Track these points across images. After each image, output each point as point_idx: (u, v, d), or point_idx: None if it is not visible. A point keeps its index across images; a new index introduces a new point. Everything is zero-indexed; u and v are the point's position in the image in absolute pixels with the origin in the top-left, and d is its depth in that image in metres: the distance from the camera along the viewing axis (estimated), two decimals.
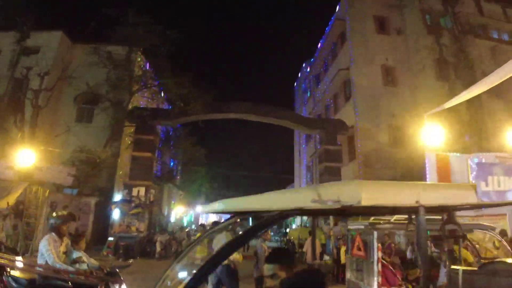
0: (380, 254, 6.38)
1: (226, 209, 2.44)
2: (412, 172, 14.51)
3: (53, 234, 5.16)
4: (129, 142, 21.31)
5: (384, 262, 6.82)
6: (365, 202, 1.72)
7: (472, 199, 2.17)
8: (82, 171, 17.46)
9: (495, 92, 21.20)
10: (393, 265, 7.22)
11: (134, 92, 20.40)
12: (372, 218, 7.25)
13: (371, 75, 22.03)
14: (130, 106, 20.51)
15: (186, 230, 22.11)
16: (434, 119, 13.93)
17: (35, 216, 14.28)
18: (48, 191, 15.03)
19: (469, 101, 21.00)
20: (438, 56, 22.29)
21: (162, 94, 24.73)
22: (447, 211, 2.60)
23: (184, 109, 20.02)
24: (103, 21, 21.87)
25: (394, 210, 2.67)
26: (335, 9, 26.34)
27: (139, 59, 21.92)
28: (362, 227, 7.33)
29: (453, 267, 4.34)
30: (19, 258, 6.65)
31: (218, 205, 2.40)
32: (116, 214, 18.47)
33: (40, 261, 5.01)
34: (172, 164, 31.52)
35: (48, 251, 4.91)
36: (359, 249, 7.45)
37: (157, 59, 20.43)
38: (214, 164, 36.06)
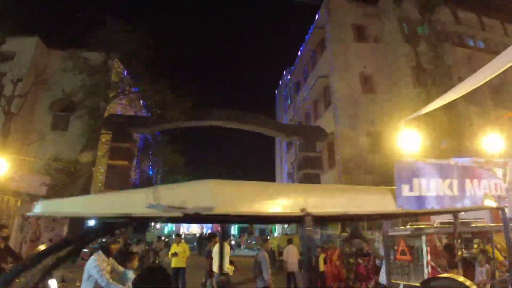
0: (429, 257, 6.69)
1: (43, 213, 1.99)
2: (392, 178, 14.58)
3: (101, 253, 4.83)
4: (106, 150, 20.87)
5: (432, 264, 7.12)
6: (221, 210, 1.36)
7: (389, 206, 1.78)
8: (56, 180, 16.95)
9: (471, 98, 21.66)
10: (439, 266, 7.37)
11: (111, 99, 20.01)
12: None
13: (350, 83, 22.20)
14: (106, 113, 20.12)
15: (166, 240, 21.66)
16: (412, 125, 14.05)
17: (7, 227, 13.77)
18: (20, 201, 14.52)
19: (446, 107, 21.31)
20: (415, 63, 22.60)
21: (141, 102, 24.38)
22: (353, 221, 2.23)
23: (162, 116, 19.73)
24: (81, 27, 21.53)
25: (276, 219, 2.23)
26: (315, 17, 26.55)
27: (117, 65, 21.56)
28: (408, 232, 7.73)
29: (393, 281, 4.26)
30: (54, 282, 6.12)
31: (37, 207, 1.93)
32: (91, 224, 17.92)
33: (86, 283, 4.62)
34: (151, 172, 30.98)
35: (100, 272, 4.55)
36: (403, 254, 7.84)
37: (135, 65, 20.12)
38: (195, 172, 35.64)
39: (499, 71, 9.75)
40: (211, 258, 8.48)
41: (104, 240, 4.87)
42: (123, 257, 5.21)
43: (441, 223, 7.89)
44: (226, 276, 7.85)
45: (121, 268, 5.07)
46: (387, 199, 1.78)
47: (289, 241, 13.11)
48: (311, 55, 27.09)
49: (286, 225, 20.59)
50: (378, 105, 21.52)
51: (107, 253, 4.84)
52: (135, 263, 5.31)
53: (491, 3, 28.03)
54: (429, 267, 6.71)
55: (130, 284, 4.84)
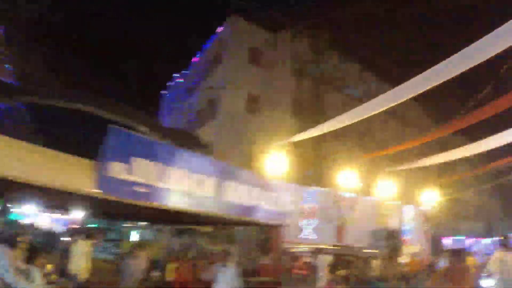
0: (325, 272, 7.86)
1: None
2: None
3: (5, 246, 3.98)
4: None
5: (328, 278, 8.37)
6: None
7: (83, 184, 1.46)
8: None
9: (339, 137, 23.93)
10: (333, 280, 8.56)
11: None
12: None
13: (237, 100, 22.70)
14: None
15: None
16: (284, 150, 14.85)
17: None
18: None
19: (317, 142, 23.19)
20: (298, 96, 24.29)
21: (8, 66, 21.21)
22: None
23: (26, 87, 17.42)
24: None
25: None
26: (217, 29, 26.68)
27: None
28: (306, 249, 9.40)
29: None
30: None
31: None
32: None
33: None
34: None
35: (8, 267, 3.74)
36: (301, 268, 8.98)
37: (8, 26, 17.60)
38: None
39: (361, 118, 11.01)
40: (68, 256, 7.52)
41: (5, 230, 3.97)
42: (30, 253, 4.28)
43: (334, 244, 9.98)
44: (75, 279, 7.06)
45: (24, 265, 4.14)
46: (82, 174, 1.42)
47: (138, 247, 12.39)
48: (206, 65, 27.09)
49: (143, 230, 19.63)
50: (259, 127, 22.27)
51: (12, 246, 3.90)
52: (43, 261, 4.40)
53: (373, 60, 31.96)
54: (326, 280, 7.94)
55: (38, 283, 4.11)
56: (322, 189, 15.62)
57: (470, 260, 11.64)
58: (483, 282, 12.04)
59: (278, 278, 11.51)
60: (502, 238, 6.71)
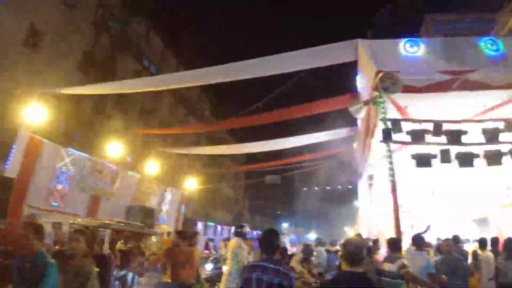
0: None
1: None
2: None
3: None
4: None
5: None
6: None
7: None
8: None
9: (120, 105, 23.03)
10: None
11: None
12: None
13: (13, 28, 18.61)
14: None
15: None
16: (51, 103, 13.15)
17: None
18: None
19: (93, 105, 21.67)
20: (89, 50, 21.97)
21: None
22: None
23: None
24: None
25: None
26: None
27: None
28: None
29: None
30: None
31: None
32: None
33: None
34: None
35: None
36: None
37: None
38: None
39: (141, 90, 11.11)
40: None
41: None
42: None
43: (118, 221, 10.21)
44: None
45: None
46: None
47: None
48: None
49: None
50: (34, 68, 18.88)
51: None
52: None
53: (177, 43, 32.40)
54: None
55: None
56: (83, 154, 14.45)
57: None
58: (207, 266, 13.71)
59: (16, 247, 9.96)
60: (237, 227, 7.38)
